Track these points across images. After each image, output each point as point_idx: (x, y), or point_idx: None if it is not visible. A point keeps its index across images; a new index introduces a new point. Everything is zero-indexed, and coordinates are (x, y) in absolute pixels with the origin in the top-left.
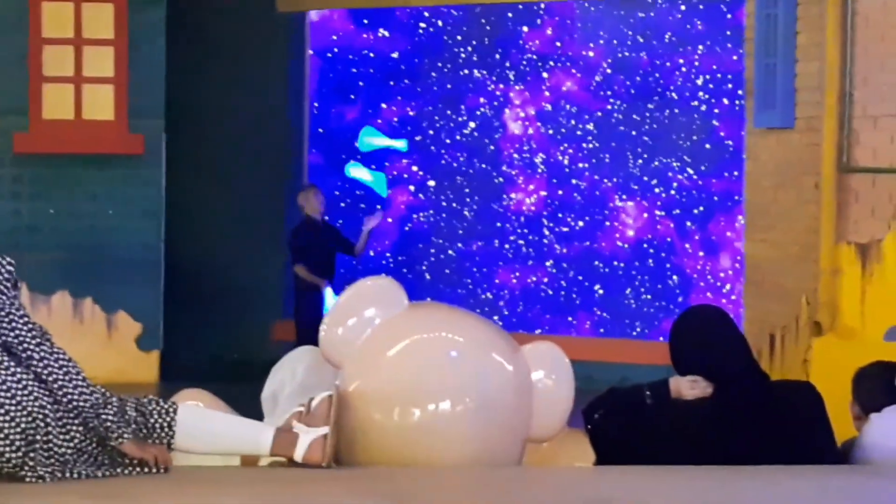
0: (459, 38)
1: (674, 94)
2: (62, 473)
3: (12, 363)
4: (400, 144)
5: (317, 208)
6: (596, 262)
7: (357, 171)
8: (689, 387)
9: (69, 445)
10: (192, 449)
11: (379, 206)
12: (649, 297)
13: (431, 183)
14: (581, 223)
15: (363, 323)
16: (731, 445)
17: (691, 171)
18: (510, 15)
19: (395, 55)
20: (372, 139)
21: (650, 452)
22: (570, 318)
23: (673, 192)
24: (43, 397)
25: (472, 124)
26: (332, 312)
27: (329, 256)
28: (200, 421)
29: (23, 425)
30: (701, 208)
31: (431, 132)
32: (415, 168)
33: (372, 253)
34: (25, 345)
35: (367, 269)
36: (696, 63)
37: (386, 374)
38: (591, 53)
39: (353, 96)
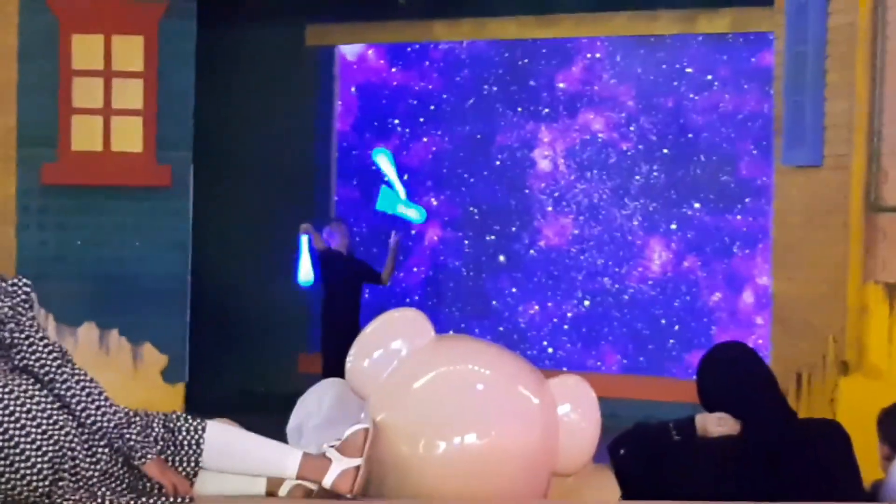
0: (491, 74)
1: (700, 132)
2: (89, 502)
3: (36, 390)
4: (415, 214)
5: (341, 242)
6: (622, 298)
7: (383, 163)
8: (715, 424)
9: (95, 469)
10: (220, 467)
11: (394, 232)
12: (675, 333)
13: (461, 217)
14: (608, 259)
15: (390, 355)
16: (758, 484)
17: (717, 209)
18: (542, 52)
19: (426, 91)
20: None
21: (676, 489)
22: (595, 354)
23: (699, 229)
24: (68, 424)
25: (501, 160)
26: (358, 344)
27: (354, 288)
28: (229, 440)
29: (49, 454)
30: (727, 245)
31: (461, 169)
32: (445, 202)
33: (403, 284)
34: (47, 368)
35: (395, 301)
36: (723, 101)
37: (412, 407)
38: (620, 92)
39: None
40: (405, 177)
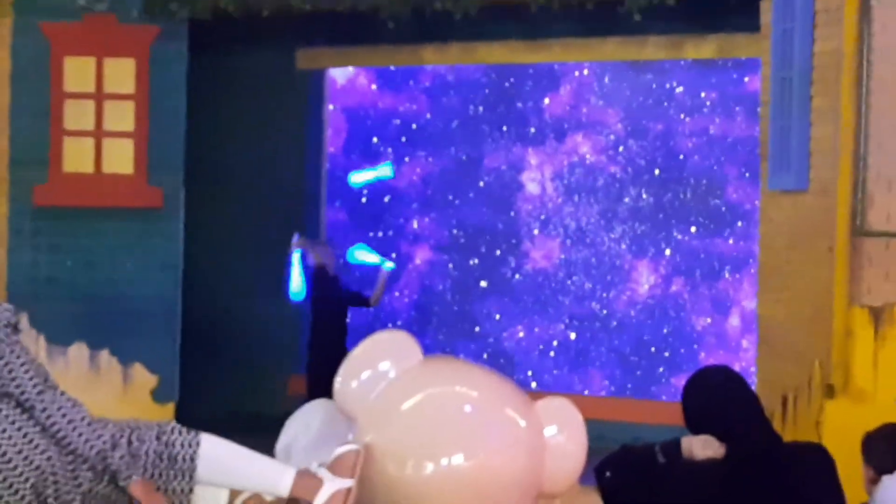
0: (479, 98)
1: (688, 156)
2: None
3: (17, 414)
4: (386, 171)
5: (327, 262)
6: (609, 321)
7: (361, 255)
8: (701, 447)
9: (78, 490)
10: (213, 482)
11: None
12: (662, 356)
13: (448, 240)
14: (595, 282)
15: (377, 376)
16: None
17: (704, 232)
18: (529, 76)
19: (415, 113)
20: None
21: None
22: (582, 377)
23: (686, 252)
24: (50, 448)
25: (489, 183)
26: (346, 365)
27: (341, 310)
28: (224, 454)
29: (32, 480)
30: (714, 269)
31: (449, 192)
32: (432, 225)
33: (389, 306)
34: (27, 395)
35: (383, 323)
36: (711, 126)
37: (400, 428)
38: (607, 116)
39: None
40: (386, 198)
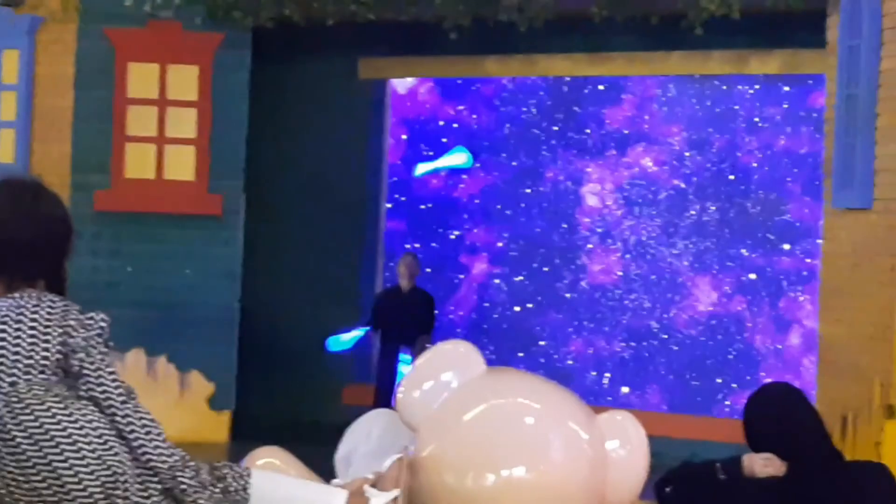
0: (541, 111)
1: (748, 173)
2: None
3: (96, 416)
4: (461, 159)
5: (401, 274)
6: (666, 336)
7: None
8: (762, 464)
9: (146, 503)
10: None
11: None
12: (722, 374)
13: (507, 252)
14: (654, 297)
15: (440, 386)
16: None
17: (766, 250)
18: (592, 90)
19: (477, 126)
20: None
21: None
22: (640, 393)
23: (745, 268)
24: (123, 453)
25: (549, 195)
26: (409, 375)
27: (401, 325)
28: (275, 485)
29: (102, 479)
30: (775, 286)
31: (510, 204)
32: (491, 237)
33: (449, 316)
34: (111, 401)
35: (440, 336)
36: (772, 142)
37: (461, 439)
38: (669, 131)
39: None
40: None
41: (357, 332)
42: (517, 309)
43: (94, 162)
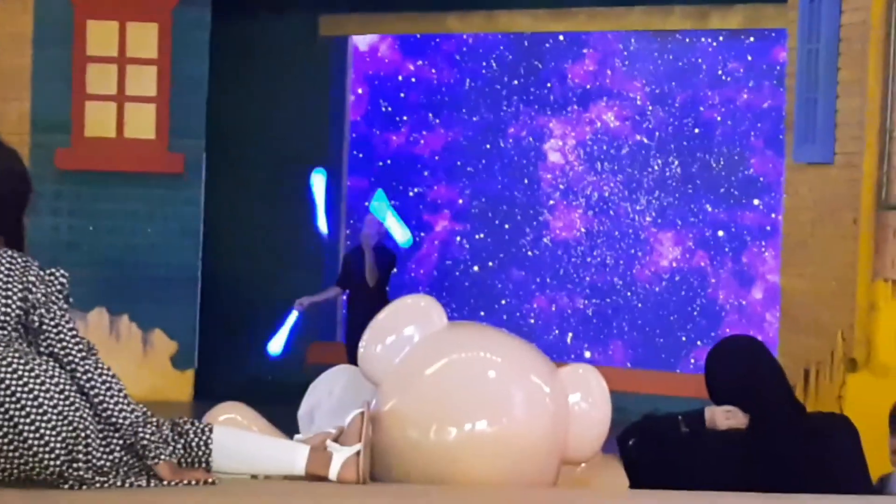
0: (503, 67)
1: (711, 128)
2: (102, 483)
3: (57, 372)
4: (403, 237)
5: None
6: (630, 293)
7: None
8: (724, 417)
9: (109, 458)
10: (228, 469)
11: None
12: (684, 329)
13: (470, 209)
14: (617, 253)
15: (401, 341)
16: (766, 476)
17: (728, 205)
18: (553, 46)
19: (438, 82)
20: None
21: (684, 481)
22: (603, 348)
23: (708, 224)
24: (84, 409)
25: (512, 152)
26: (370, 330)
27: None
28: (235, 441)
29: (64, 434)
30: (737, 241)
31: (472, 161)
32: (454, 194)
33: (411, 274)
34: (71, 357)
35: (402, 292)
36: (734, 97)
37: (423, 393)
38: (631, 86)
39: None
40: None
41: (289, 322)
42: (479, 267)
43: (54, 121)
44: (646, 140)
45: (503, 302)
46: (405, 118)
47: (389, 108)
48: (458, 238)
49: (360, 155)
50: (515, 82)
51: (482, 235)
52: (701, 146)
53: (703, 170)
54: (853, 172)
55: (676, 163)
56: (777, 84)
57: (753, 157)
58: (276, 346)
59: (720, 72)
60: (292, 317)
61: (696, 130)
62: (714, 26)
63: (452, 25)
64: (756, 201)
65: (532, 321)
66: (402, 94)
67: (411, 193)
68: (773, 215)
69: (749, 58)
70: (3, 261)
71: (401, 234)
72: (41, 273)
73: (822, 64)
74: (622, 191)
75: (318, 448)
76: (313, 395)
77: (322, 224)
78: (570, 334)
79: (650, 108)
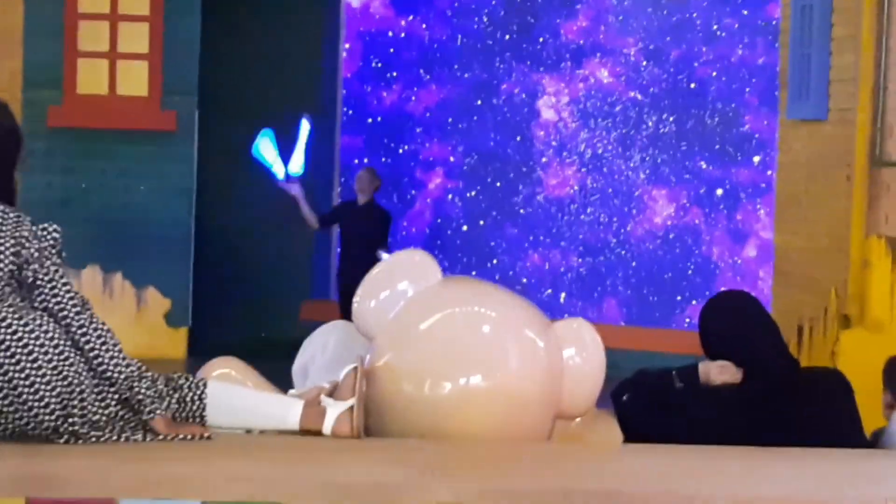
0: (495, 23)
1: (705, 84)
2: (97, 438)
3: (52, 327)
4: (295, 168)
5: (357, 189)
6: (623, 250)
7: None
8: (718, 372)
9: (104, 413)
10: (222, 424)
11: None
12: (678, 285)
13: (463, 167)
14: (610, 210)
15: (396, 296)
16: (759, 430)
17: (721, 161)
18: (546, 1)
19: (431, 40)
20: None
21: (678, 435)
22: (597, 305)
23: (702, 181)
24: (79, 363)
25: (505, 110)
26: (364, 285)
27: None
28: (229, 396)
29: (59, 389)
30: (729, 197)
31: (465, 118)
32: (447, 151)
33: (403, 232)
34: (65, 312)
35: (396, 249)
36: (728, 53)
37: (417, 347)
38: (625, 42)
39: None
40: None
41: (302, 136)
42: (472, 225)
43: (46, 78)
44: (640, 97)
45: (496, 260)
46: (397, 75)
47: (381, 65)
48: (451, 196)
49: (351, 112)
50: (508, 38)
51: (475, 193)
52: (695, 103)
53: (697, 126)
54: (847, 129)
55: (671, 119)
56: (772, 40)
57: (747, 114)
58: (296, 165)
59: (714, 27)
60: (304, 129)
61: (691, 87)
62: None
63: None
64: (751, 158)
65: (525, 279)
66: (394, 51)
67: (402, 151)
68: (767, 172)
69: (744, 13)
70: None
71: (293, 166)
72: (33, 228)
73: (817, 20)
74: (616, 148)
75: (312, 403)
76: (307, 351)
77: (295, 166)
78: (564, 292)
79: (644, 64)
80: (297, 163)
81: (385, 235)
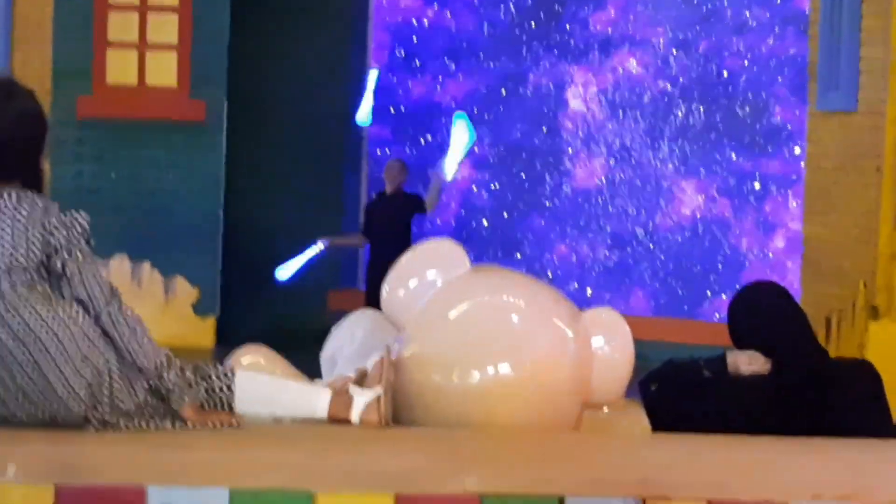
0: (522, 13)
1: (735, 75)
2: (126, 426)
3: (81, 317)
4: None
5: (386, 179)
6: (652, 242)
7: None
8: (746, 362)
9: (133, 401)
10: (251, 412)
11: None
12: (706, 277)
13: (492, 157)
14: (638, 202)
15: (425, 285)
16: (788, 421)
17: (749, 152)
18: None
19: (458, 30)
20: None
21: (706, 426)
22: (625, 296)
23: (731, 172)
24: (108, 352)
25: (532, 100)
26: (394, 273)
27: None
28: (258, 385)
29: (87, 378)
30: (760, 189)
31: (492, 108)
32: (476, 142)
33: (428, 224)
34: (95, 301)
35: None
36: (758, 44)
37: (446, 336)
38: (654, 32)
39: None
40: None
41: (308, 253)
42: (499, 216)
43: (76, 68)
44: (669, 87)
45: (523, 253)
46: (424, 65)
47: (408, 56)
48: (477, 187)
49: (378, 102)
50: (535, 28)
51: (501, 185)
52: (724, 93)
53: (727, 117)
54: (876, 120)
55: (700, 110)
56: (802, 31)
57: (777, 105)
58: (285, 272)
59: (745, 17)
60: (313, 249)
61: (720, 77)
62: None
63: None
64: (780, 149)
65: (552, 271)
66: (420, 41)
67: (423, 141)
68: (797, 164)
69: (775, 3)
70: (24, 204)
71: (360, 115)
72: (62, 216)
73: (846, 11)
74: (644, 139)
75: (340, 391)
76: (336, 339)
77: (363, 114)
78: (591, 284)
79: (673, 54)
80: (365, 111)
81: (409, 219)
